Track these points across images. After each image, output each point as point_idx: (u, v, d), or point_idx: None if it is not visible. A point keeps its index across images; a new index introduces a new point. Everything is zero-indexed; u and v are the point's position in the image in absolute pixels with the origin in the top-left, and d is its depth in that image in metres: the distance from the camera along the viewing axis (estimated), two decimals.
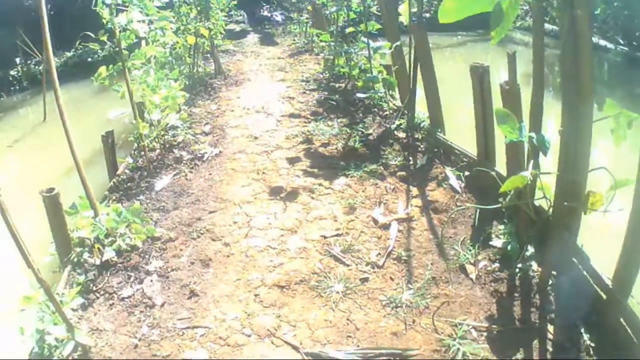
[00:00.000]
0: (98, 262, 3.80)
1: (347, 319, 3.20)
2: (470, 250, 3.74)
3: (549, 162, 3.37)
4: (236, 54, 11.07)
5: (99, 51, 7.78)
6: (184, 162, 5.54)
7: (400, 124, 5.83)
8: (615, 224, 3.16)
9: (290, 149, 5.71)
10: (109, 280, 3.71)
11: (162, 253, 3.99)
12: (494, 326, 3.08)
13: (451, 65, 11.45)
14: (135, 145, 5.74)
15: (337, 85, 7.85)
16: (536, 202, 3.34)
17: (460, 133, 5.34)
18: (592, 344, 2.86)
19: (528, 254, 3.48)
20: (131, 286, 3.64)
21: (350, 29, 7.51)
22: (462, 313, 3.20)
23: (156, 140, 5.83)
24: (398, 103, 6.40)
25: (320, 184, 4.86)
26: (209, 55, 9.49)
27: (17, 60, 11.47)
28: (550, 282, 3.27)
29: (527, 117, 3.33)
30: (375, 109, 6.56)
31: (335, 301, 3.35)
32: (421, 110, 5.80)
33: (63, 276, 3.64)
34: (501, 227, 3.87)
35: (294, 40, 12.10)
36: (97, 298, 3.54)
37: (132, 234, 4.04)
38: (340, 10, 7.94)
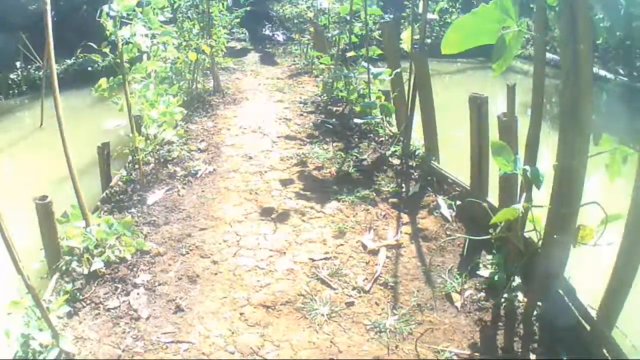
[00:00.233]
0: (86, 271, 3.80)
1: (331, 342, 3.20)
2: (457, 278, 3.76)
3: (542, 194, 3.40)
4: (236, 72, 11.13)
5: (100, 61, 7.80)
6: (178, 177, 5.56)
7: (395, 151, 5.89)
8: (600, 256, 3.18)
9: (284, 171, 5.74)
10: (96, 290, 3.71)
11: (151, 267, 3.99)
12: (477, 354, 3.09)
13: (450, 92, 11.50)
14: (130, 158, 5.74)
15: (334, 108, 7.90)
16: (526, 234, 3.37)
17: (455, 162, 5.38)
18: None
19: (515, 284, 3.49)
20: (117, 297, 3.64)
21: (351, 53, 7.56)
22: (446, 340, 3.21)
23: (151, 154, 5.86)
24: (394, 129, 6.46)
25: (311, 207, 4.88)
26: (208, 72, 9.52)
27: (18, 64, 11.54)
28: (535, 312, 3.29)
29: (522, 148, 3.33)
30: (371, 135, 6.61)
31: (319, 323, 3.36)
32: (417, 138, 5.86)
33: (51, 283, 3.65)
34: (489, 257, 3.90)
35: (294, 61, 12.17)
36: (83, 307, 3.54)
37: (121, 246, 4.05)
38: (342, 33, 8.03)
